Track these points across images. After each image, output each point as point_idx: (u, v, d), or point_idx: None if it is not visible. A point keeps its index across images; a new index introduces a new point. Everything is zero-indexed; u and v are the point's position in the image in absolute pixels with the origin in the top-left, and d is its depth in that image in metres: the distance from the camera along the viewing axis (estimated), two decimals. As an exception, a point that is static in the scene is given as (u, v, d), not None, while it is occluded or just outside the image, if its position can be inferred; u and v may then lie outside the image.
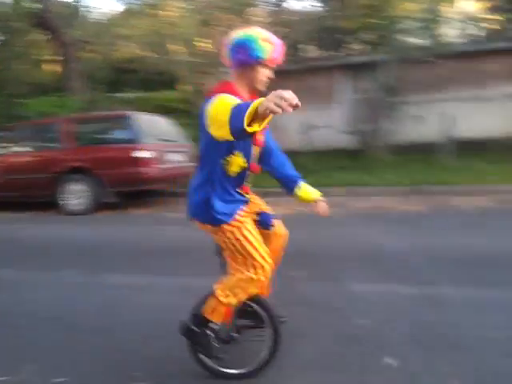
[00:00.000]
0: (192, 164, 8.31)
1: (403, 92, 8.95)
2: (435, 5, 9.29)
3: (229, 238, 2.11)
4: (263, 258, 2.12)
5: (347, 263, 4.14)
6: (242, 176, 2.15)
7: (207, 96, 2.02)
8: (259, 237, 2.17)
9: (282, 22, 9.99)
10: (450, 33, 11.23)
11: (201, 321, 2.22)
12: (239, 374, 2.33)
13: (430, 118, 9.22)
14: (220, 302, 2.14)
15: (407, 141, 9.53)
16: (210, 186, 2.11)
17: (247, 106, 1.58)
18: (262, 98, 1.53)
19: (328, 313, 3.17)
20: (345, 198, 6.90)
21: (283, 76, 9.52)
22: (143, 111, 8.44)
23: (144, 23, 13.02)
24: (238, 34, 2.04)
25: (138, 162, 7.20)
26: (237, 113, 1.65)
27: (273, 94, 1.47)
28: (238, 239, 2.10)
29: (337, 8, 10.14)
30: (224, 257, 2.25)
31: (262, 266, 2.11)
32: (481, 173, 7.53)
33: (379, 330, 2.86)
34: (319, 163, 8.90)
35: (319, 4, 11.35)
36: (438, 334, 2.77)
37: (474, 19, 11.82)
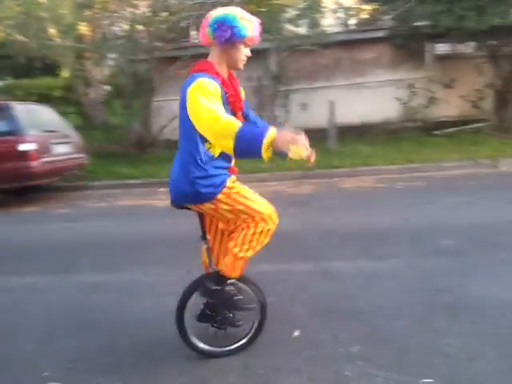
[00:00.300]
0: (80, 155, 7.86)
1: (290, 80, 9.36)
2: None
3: (228, 205, 2.21)
4: (265, 207, 2.27)
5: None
6: (225, 156, 2.21)
7: (189, 75, 2.12)
8: (252, 191, 2.30)
9: (164, 6, 9.76)
10: (330, 22, 11.95)
11: (221, 279, 2.33)
12: (239, 346, 2.53)
13: (315, 106, 9.81)
14: (239, 257, 2.27)
15: (296, 128, 10.02)
16: (195, 167, 2.16)
17: (258, 135, 1.81)
18: (274, 133, 1.80)
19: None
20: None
21: (171, 61, 9.44)
22: (19, 100, 7.73)
23: (11, 4, 11.82)
24: (219, 12, 2.10)
25: (21, 155, 6.65)
26: (248, 141, 1.83)
27: (289, 137, 1.78)
28: (235, 200, 2.21)
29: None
30: (209, 241, 2.40)
31: (269, 215, 2.26)
32: (364, 156, 8.22)
33: (284, 306, 3.08)
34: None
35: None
36: (335, 305, 3.05)
37: (349, 9, 12.69)
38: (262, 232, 2.26)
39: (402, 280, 3.41)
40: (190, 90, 2.05)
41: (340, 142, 8.94)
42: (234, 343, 2.54)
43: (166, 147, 9.34)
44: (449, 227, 4.52)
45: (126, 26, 9.55)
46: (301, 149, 1.79)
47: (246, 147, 1.84)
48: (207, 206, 2.23)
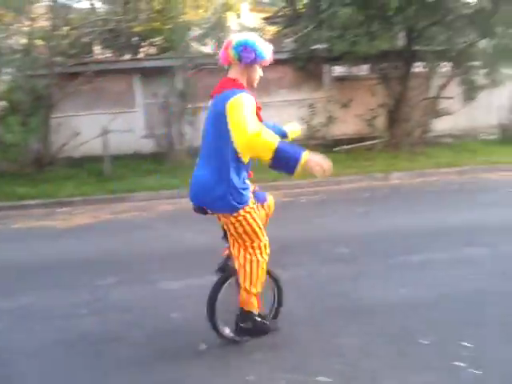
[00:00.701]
0: None
1: (197, 98, 9.43)
2: (219, 14, 10.05)
3: (241, 222, 2.45)
4: (264, 236, 2.56)
5: (156, 264, 4.32)
6: (250, 163, 2.52)
7: (220, 90, 2.43)
8: (260, 220, 2.57)
9: (65, 20, 9.42)
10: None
11: (246, 316, 2.62)
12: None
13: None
14: (251, 294, 2.55)
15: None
16: (227, 178, 2.39)
17: (292, 155, 2.20)
18: (307, 155, 2.22)
19: (142, 314, 3.32)
20: (152, 202, 6.99)
21: (72, 77, 9.11)
22: None
23: None
24: (242, 37, 2.42)
25: None
26: (286, 158, 2.19)
27: (318, 160, 2.25)
28: (248, 222, 2.46)
29: (124, 11, 10.05)
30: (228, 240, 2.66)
31: (265, 245, 2.57)
32: (272, 172, 8.47)
33: (190, 320, 3.13)
34: (123, 169, 8.77)
35: (102, 5, 11.04)
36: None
37: (254, 30, 13.16)
38: (258, 265, 2.53)
39: (302, 287, 3.62)
40: (231, 101, 2.30)
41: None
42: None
43: (66, 165, 8.92)
44: (345, 236, 4.85)
45: (23, 40, 9.05)
46: (325, 170, 2.26)
47: (284, 163, 2.22)
48: (224, 216, 2.49)
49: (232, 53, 2.41)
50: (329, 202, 6.68)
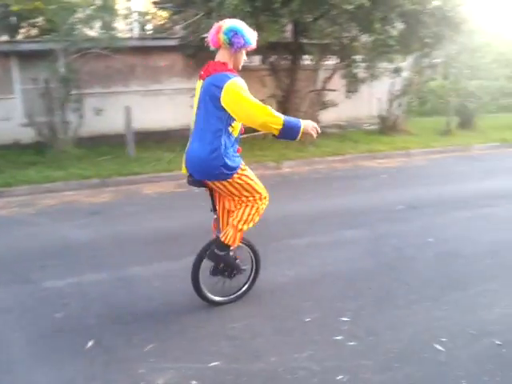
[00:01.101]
0: None
1: (83, 84, 8.87)
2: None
3: (238, 183, 2.80)
4: (263, 189, 2.94)
5: (38, 262, 4.03)
6: (237, 138, 2.86)
7: (211, 72, 2.68)
8: (253, 173, 2.93)
9: None
10: (123, 27, 11.77)
11: (223, 246, 2.90)
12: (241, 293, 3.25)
13: (111, 111, 9.55)
14: (239, 229, 2.87)
15: (93, 134, 9.58)
16: (221, 152, 2.68)
17: (295, 125, 2.61)
18: (304, 122, 2.65)
19: (23, 315, 3.11)
20: (33, 196, 6.47)
21: None
22: None
23: None
24: (230, 23, 2.65)
25: None
26: (290, 128, 2.60)
27: (311, 124, 2.68)
28: (245, 181, 2.82)
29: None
30: (217, 212, 3.04)
31: (265, 196, 2.96)
32: (164, 162, 8.33)
33: (76, 319, 2.99)
34: (0, 160, 7.96)
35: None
36: (131, 309, 3.09)
37: (143, 14, 12.65)
38: (256, 211, 2.92)
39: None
40: (228, 86, 2.59)
41: (139, 148, 8.88)
42: (237, 291, 3.23)
43: None
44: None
45: None
46: (317, 131, 2.73)
47: (289, 133, 2.61)
48: (221, 183, 2.79)
49: (223, 37, 2.64)
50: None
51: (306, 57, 10.09)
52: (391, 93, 10.52)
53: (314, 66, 10.11)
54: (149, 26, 13.32)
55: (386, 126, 10.66)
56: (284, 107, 9.76)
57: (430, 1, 8.71)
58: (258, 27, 7.59)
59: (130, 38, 10.48)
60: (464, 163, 8.27)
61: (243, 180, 2.81)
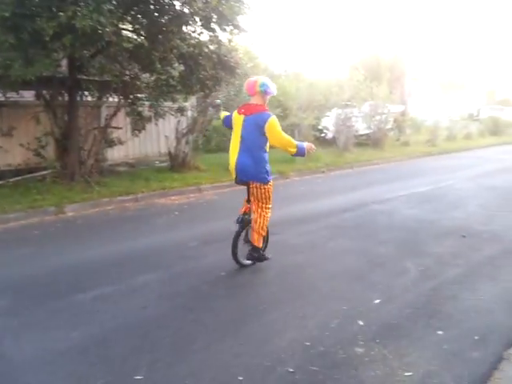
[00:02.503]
0: None
1: None
2: None
3: (268, 189, 4.26)
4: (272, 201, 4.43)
5: None
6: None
7: (253, 111, 4.14)
8: None
9: None
10: None
11: (255, 249, 4.40)
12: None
13: None
14: (261, 234, 4.36)
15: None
16: (264, 161, 4.21)
17: (302, 146, 4.20)
18: (304, 144, 4.30)
19: None
20: None
21: None
22: None
23: None
24: (262, 79, 4.19)
25: None
26: (301, 149, 4.19)
27: (307, 145, 4.29)
28: (269, 191, 4.29)
29: None
30: (251, 202, 4.37)
31: (271, 207, 4.40)
32: None
33: None
34: None
35: None
36: None
37: None
38: (265, 219, 4.33)
39: None
40: (270, 121, 4.07)
41: None
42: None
43: None
44: (4, 287, 4.14)
45: None
46: (313, 149, 4.37)
47: (300, 153, 4.20)
48: (259, 185, 4.21)
49: (259, 89, 4.12)
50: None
51: (86, 93, 9.51)
52: (178, 131, 10.72)
53: (95, 103, 9.59)
54: None
55: (177, 163, 10.76)
56: (65, 145, 8.92)
57: (207, 45, 9.24)
58: (26, 61, 6.79)
59: None
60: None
61: (270, 190, 4.30)
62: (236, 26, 8.91)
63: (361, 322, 3.41)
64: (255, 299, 3.86)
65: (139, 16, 8.33)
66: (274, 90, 4.17)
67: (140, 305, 3.72)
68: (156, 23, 8.27)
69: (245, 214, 4.40)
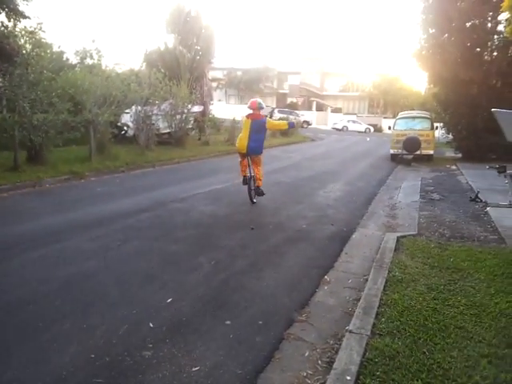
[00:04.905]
0: None
1: None
2: None
3: (261, 156, 7.87)
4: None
5: None
6: None
7: (257, 117, 7.72)
8: None
9: None
10: None
11: (259, 188, 7.82)
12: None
13: None
14: (260, 180, 7.84)
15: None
16: (263, 143, 7.80)
17: (292, 123, 9.00)
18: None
19: None
20: None
21: None
22: None
23: None
24: (258, 100, 7.95)
25: None
26: (291, 124, 8.64)
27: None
28: (261, 157, 7.95)
29: None
30: (250, 167, 7.85)
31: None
32: None
33: None
34: None
35: None
36: None
37: None
38: (262, 172, 8.00)
39: None
40: (267, 120, 7.79)
41: None
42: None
43: None
44: None
45: None
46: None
47: (291, 126, 8.59)
48: (258, 156, 7.73)
49: (258, 106, 7.73)
50: None
51: None
52: None
53: None
54: None
55: None
56: None
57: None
58: None
59: None
60: (35, 199, 7.96)
61: (262, 157, 7.85)
62: (13, 10, 7.86)
63: (151, 324, 3.34)
64: (33, 318, 3.42)
65: None
66: (264, 106, 7.94)
67: None
68: None
69: (245, 176, 7.85)
